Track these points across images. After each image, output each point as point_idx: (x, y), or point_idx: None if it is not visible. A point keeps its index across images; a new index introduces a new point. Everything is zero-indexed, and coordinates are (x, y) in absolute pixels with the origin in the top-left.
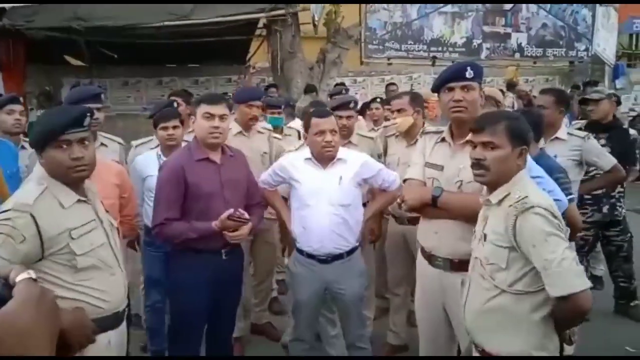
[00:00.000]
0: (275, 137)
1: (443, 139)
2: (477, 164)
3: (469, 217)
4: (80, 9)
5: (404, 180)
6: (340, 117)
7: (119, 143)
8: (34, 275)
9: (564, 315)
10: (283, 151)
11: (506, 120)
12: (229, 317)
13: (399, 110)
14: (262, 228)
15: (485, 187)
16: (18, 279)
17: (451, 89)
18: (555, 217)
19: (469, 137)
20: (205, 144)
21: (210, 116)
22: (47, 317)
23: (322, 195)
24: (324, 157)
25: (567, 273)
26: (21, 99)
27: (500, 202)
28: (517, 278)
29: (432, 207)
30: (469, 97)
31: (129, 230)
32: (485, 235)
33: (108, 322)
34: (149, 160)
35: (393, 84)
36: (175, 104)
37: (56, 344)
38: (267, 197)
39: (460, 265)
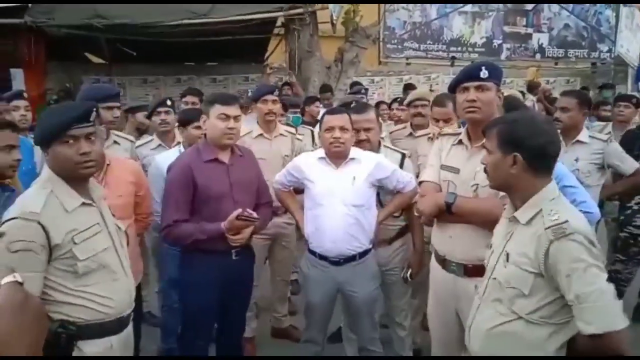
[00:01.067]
0: (297, 139)
1: (460, 141)
2: (484, 169)
3: (484, 223)
4: (100, 6)
5: (420, 183)
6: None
7: (131, 141)
8: (19, 279)
9: (594, 353)
10: (302, 151)
11: (499, 125)
12: (239, 318)
13: (445, 120)
14: (281, 232)
15: (506, 196)
16: (2, 282)
17: (466, 89)
18: (593, 244)
19: None
20: (218, 144)
21: (226, 117)
22: (30, 324)
23: (335, 195)
24: (333, 154)
25: (606, 309)
26: (24, 94)
27: (529, 221)
28: (538, 307)
29: (447, 213)
30: (484, 97)
31: (143, 228)
32: (508, 255)
33: (111, 328)
34: (172, 158)
35: (411, 84)
36: (168, 102)
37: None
38: (281, 198)
39: (474, 270)
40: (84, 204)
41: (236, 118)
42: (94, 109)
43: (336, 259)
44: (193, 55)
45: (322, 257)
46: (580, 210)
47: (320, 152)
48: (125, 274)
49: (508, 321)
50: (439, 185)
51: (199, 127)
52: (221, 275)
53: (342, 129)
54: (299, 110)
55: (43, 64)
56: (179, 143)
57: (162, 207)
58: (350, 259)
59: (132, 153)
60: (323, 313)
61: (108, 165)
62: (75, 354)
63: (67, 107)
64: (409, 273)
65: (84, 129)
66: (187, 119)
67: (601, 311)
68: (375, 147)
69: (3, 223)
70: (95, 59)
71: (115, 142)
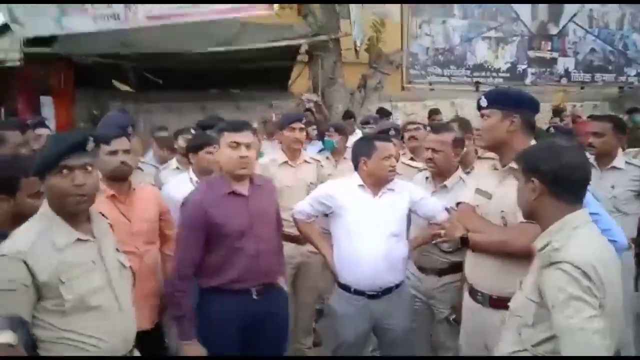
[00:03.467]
0: (322, 166)
1: (495, 166)
2: None
3: (506, 254)
4: (127, 35)
5: (457, 204)
6: None
7: (155, 166)
8: (12, 341)
9: None
10: (326, 178)
11: (524, 151)
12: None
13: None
14: (305, 261)
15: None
16: None
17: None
18: (588, 278)
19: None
20: (233, 175)
21: (237, 145)
22: None
23: (376, 223)
24: (385, 182)
25: (582, 347)
26: (45, 122)
27: (541, 249)
28: (543, 339)
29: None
30: (485, 124)
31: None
32: (521, 283)
33: None
34: (182, 185)
35: (436, 110)
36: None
37: None
38: (303, 229)
39: (499, 302)
40: (78, 239)
41: (248, 146)
42: (91, 138)
43: (374, 292)
44: (217, 82)
45: (358, 292)
46: None
47: (357, 179)
48: (122, 314)
49: (517, 351)
50: (474, 207)
51: (210, 152)
52: (241, 315)
53: (395, 157)
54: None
55: (72, 91)
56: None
57: (174, 250)
58: (388, 290)
59: (156, 179)
60: (355, 351)
61: (134, 190)
62: None
63: (60, 137)
64: (453, 316)
65: (80, 159)
66: (198, 144)
67: (578, 349)
68: (444, 171)
69: None
70: (123, 87)
71: (138, 167)
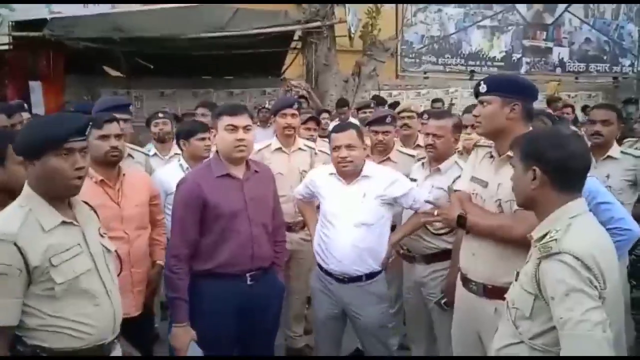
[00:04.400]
0: (316, 153)
1: (492, 154)
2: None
3: (501, 240)
4: (118, 20)
5: (453, 192)
6: (376, 132)
7: (145, 154)
8: None
9: None
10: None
11: (525, 137)
12: (263, 347)
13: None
14: (297, 249)
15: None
16: None
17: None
18: (588, 269)
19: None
20: (229, 158)
21: (234, 128)
22: None
23: (344, 212)
24: (340, 173)
25: (582, 339)
26: (24, 106)
27: (540, 239)
28: (541, 331)
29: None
30: (484, 111)
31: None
32: (517, 274)
33: (88, 355)
34: (172, 173)
35: (439, 99)
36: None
37: None
38: (300, 208)
39: (494, 291)
40: (64, 222)
41: (245, 128)
42: (90, 123)
43: (341, 277)
44: (210, 68)
45: (328, 274)
46: (618, 228)
47: (330, 167)
48: (110, 299)
49: (513, 343)
50: (469, 195)
51: (202, 139)
52: (235, 302)
53: (349, 146)
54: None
55: (62, 77)
56: (176, 155)
57: (170, 230)
58: (356, 279)
59: (146, 165)
60: (329, 330)
61: (124, 175)
62: None
63: (64, 118)
64: (443, 301)
65: (81, 143)
66: (189, 130)
67: (578, 342)
68: (443, 156)
69: None
70: (114, 72)
71: (129, 154)
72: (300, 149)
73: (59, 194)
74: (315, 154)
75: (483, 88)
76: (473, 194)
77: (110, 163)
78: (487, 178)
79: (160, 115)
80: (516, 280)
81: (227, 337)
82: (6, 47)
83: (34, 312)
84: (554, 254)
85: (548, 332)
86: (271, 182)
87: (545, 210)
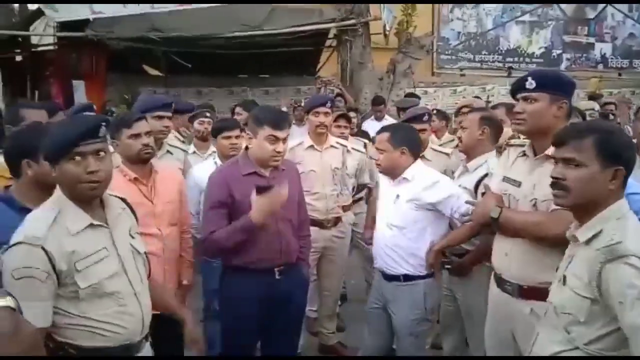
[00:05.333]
0: (349, 151)
1: (524, 153)
2: (555, 183)
3: (536, 239)
4: (157, 20)
5: (482, 194)
6: None
7: (184, 150)
8: (12, 304)
9: None
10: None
11: (595, 134)
12: (285, 341)
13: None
14: (329, 246)
15: (571, 214)
16: None
17: (518, 100)
18: None
19: (551, 151)
20: (263, 165)
21: (275, 139)
22: (23, 353)
23: (381, 211)
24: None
25: None
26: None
27: (589, 241)
28: (598, 336)
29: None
30: (530, 108)
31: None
32: (564, 278)
33: (117, 354)
34: (207, 170)
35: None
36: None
37: None
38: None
39: (530, 292)
40: (91, 225)
41: (285, 140)
42: (103, 123)
43: (383, 273)
44: (246, 67)
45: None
46: None
47: None
48: (137, 301)
49: (566, 350)
50: (501, 196)
51: (228, 137)
52: (263, 294)
53: (379, 150)
54: None
55: (103, 75)
56: (214, 152)
57: (202, 221)
58: (394, 278)
59: (185, 163)
60: (373, 322)
61: (156, 173)
62: None
63: (74, 121)
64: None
65: (93, 145)
66: (217, 129)
67: None
68: (469, 151)
69: (8, 248)
70: (152, 71)
71: (168, 151)
72: (332, 146)
73: (82, 198)
74: (348, 151)
75: (531, 84)
76: (504, 194)
77: (143, 160)
78: (520, 178)
79: (207, 114)
80: (564, 284)
81: (252, 328)
82: (51, 47)
83: (59, 312)
84: (620, 257)
85: (605, 337)
86: (297, 178)
87: (599, 209)
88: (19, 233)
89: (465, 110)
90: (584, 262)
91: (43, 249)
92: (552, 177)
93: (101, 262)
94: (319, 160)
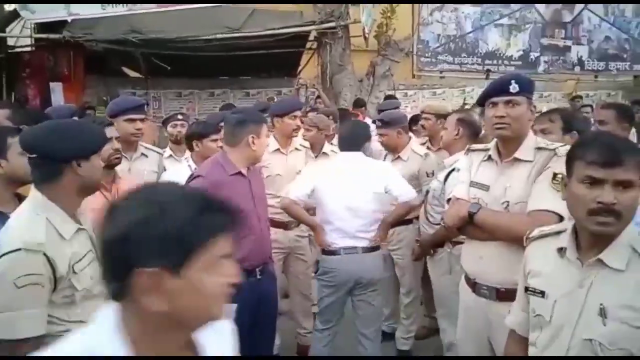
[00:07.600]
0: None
1: (490, 157)
2: (606, 209)
3: (508, 239)
4: (136, 21)
5: (449, 199)
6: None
7: (159, 153)
8: None
9: None
10: None
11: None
12: (265, 338)
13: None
14: (295, 245)
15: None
16: None
17: (495, 104)
18: None
19: (521, 154)
20: (254, 162)
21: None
22: None
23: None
24: None
25: None
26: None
27: (627, 265)
28: None
29: (470, 224)
30: (513, 113)
31: None
32: (604, 311)
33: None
34: (181, 173)
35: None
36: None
37: None
38: None
39: (507, 294)
40: (79, 229)
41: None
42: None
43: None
44: (227, 69)
45: None
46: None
47: None
48: None
49: None
50: (469, 202)
51: (215, 140)
52: (249, 295)
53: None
54: None
55: (82, 77)
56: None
57: None
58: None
59: (159, 165)
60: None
61: (119, 179)
62: None
63: (95, 129)
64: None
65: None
66: (202, 132)
67: None
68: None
69: (2, 255)
70: (132, 74)
71: (143, 154)
72: (296, 149)
73: (73, 205)
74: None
75: (514, 88)
76: (474, 199)
77: (111, 166)
78: (488, 182)
79: (180, 117)
80: (606, 317)
81: (241, 328)
82: (28, 48)
83: (51, 320)
84: None
85: None
86: (262, 178)
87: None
88: (13, 239)
89: (425, 115)
90: (633, 288)
91: (45, 255)
92: (603, 203)
93: (90, 264)
94: (285, 164)
